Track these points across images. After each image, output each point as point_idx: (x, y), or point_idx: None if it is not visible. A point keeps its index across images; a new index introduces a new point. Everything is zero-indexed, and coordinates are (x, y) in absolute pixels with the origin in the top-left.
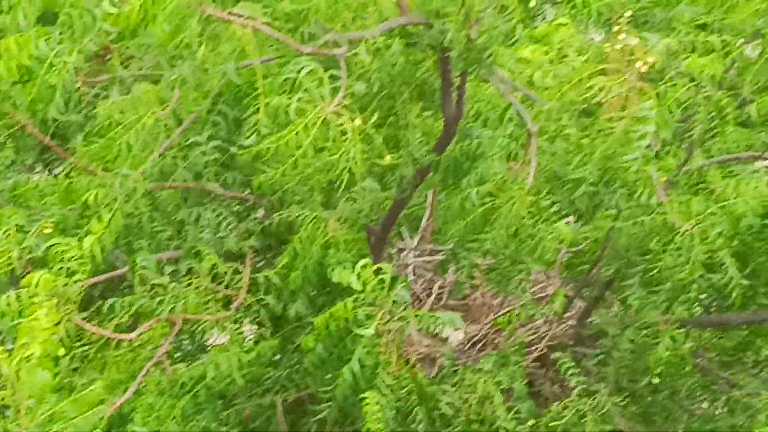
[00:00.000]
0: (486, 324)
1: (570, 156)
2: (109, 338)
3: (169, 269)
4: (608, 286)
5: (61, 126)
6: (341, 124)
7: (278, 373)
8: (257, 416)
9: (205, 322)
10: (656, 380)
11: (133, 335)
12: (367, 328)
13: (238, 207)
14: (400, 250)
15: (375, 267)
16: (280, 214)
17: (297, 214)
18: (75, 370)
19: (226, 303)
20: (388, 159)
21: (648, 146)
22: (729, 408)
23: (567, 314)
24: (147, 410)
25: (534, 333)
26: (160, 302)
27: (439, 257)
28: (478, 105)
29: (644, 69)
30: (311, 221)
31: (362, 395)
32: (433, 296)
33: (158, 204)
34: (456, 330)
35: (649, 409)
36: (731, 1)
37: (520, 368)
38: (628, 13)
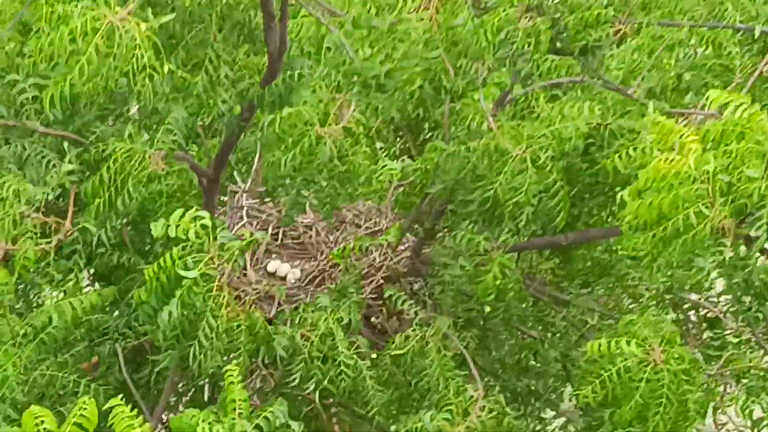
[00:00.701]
0: (322, 260)
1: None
2: None
3: None
4: (440, 216)
5: None
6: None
7: (116, 321)
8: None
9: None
10: (488, 309)
11: None
12: (191, 270)
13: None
14: (233, 193)
15: (192, 213)
16: (96, 147)
17: (113, 147)
18: None
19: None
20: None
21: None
22: (565, 326)
23: (401, 247)
24: None
25: (370, 265)
26: None
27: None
28: (301, 37)
29: None
30: (124, 153)
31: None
32: (269, 236)
33: None
34: (292, 268)
35: (485, 334)
36: None
37: (356, 302)
38: None
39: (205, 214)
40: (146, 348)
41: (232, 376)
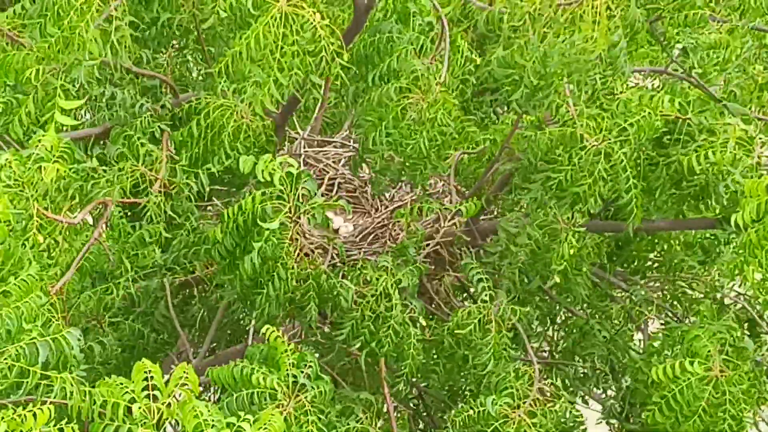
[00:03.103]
0: (377, 217)
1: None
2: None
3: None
4: (502, 188)
5: None
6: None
7: (165, 257)
8: (144, 298)
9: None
10: (558, 279)
11: (78, 218)
12: (272, 221)
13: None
14: (291, 140)
15: (280, 159)
16: (189, 100)
17: (205, 98)
18: None
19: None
20: None
21: None
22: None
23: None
24: None
25: (427, 228)
26: (95, 185)
27: (332, 149)
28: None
29: None
30: (217, 108)
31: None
32: (323, 187)
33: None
34: (345, 222)
35: (539, 311)
36: None
37: (417, 267)
38: None
39: (293, 161)
40: (193, 284)
41: (274, 331)
